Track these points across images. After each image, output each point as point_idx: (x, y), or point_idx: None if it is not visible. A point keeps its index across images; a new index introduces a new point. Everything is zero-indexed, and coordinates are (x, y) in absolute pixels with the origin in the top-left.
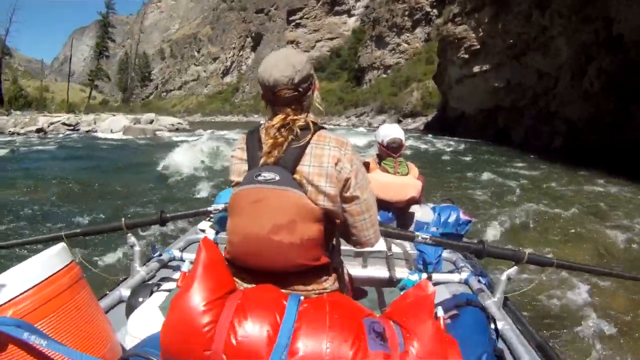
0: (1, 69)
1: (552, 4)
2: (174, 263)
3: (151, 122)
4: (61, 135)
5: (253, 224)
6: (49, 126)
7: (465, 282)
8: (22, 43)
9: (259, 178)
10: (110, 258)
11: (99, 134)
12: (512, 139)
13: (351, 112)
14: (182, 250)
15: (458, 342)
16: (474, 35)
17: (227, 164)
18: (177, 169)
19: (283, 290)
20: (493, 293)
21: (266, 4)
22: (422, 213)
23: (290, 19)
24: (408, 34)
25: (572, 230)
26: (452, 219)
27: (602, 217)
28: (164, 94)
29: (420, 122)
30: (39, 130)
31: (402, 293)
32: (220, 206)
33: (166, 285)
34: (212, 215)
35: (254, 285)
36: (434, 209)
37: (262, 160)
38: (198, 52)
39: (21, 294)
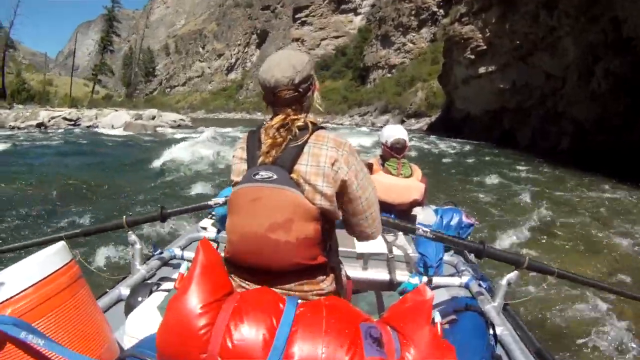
0: (5, 61)
1: (559, 4)
2: (174, 262)
3: (153, 118)
4: (61, 130)
5: (251, 222)
6: (49, 121)
7: (466, 286)
8: (28, 36)
9: (257, 177)
10: (111, 256)
11: (100, 130)
12: (518, 140)
13: (355, 111)
14: (183, 248)
15: (456, 348)
16: (480, 35)
17: (227, 162)
18: (177, 166)
19: (280, 292)
20: (493, 298)
21: (272, 1)
22: (425, 215)
23: (296, 16)
24: (414, 34)
25: (577, 238)
26: (454, 221)
27: (608, 224)
28: (168, 89)
29: (424, 122)
30: (39, 125)
31: (401, 297)
32: (221, 200)
33: (166, 285)
34: (213, 214)
35: (252, 284)
36: (436, 211)
37: (260, 160)
38: (203, 48)
39: (20, 292)
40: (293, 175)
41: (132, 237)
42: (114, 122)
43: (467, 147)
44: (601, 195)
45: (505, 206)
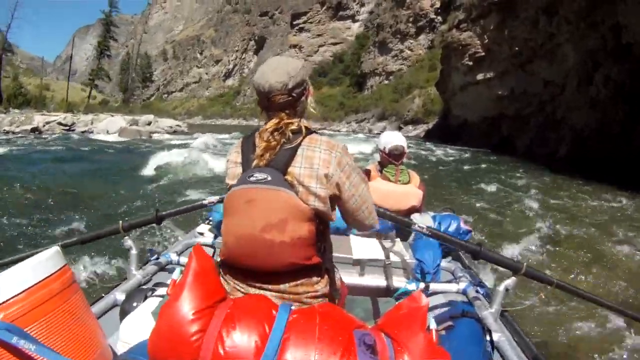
0: (1, 65)
1: (559, 10)
2: (170, 267)
3: (149, 123)
4: (55, 136)
5: (246, 223)
6: (44, 125)
7: (463, 292)
8: (26, 40)
9: (252, 179)
10: (106, 261)
11: (95, 135)
12: (517, 147)
13: (352, 117)
14: (180, 254)
15: (452, 354)
16: (478, 42)
17: (222, 167)
18: (172, 173)
19: (275, 294)
20: (490, 304)
21: (271, 7)
22: (422, 221)
23: (294, 22)
24: (411, 41)
25: (575, 246)
26: (452, 228)
27: (607, 232)
28: (165, 95)
29: (421, 129)
30: (34, 130)
31: (397, 303)
32: (216, 198)
33: (161, 290)
34: (210, 219)
35: (247, 286)
36: (434, 217)
37: (254, 163)
38: (201, 54)
39: (12, 297)
40: (287, 177)
41: (128, 242)
42: (109, 127)
43: (465, 154)
44: (600, 202)
45: (503, 213)
